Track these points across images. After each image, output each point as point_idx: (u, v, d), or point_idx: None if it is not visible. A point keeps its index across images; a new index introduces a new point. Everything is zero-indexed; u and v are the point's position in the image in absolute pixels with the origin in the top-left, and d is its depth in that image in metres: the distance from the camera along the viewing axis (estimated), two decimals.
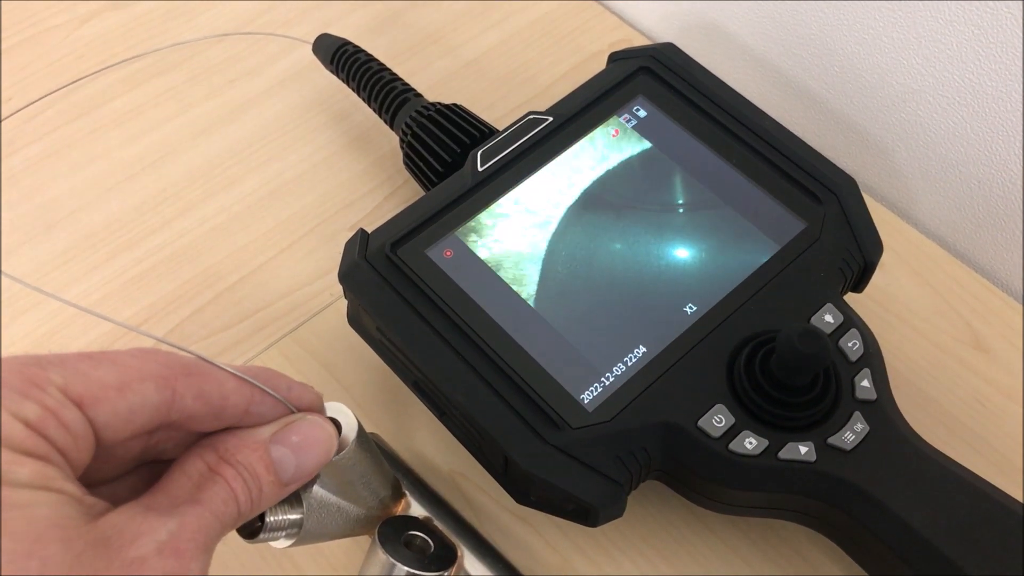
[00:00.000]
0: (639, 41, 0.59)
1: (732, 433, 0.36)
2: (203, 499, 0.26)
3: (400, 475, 0.39)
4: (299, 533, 0.32)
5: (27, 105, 0.55)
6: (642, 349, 0.38)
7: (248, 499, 0.27)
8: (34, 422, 0.24)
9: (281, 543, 0.32)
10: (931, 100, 0.49)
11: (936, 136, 0.49)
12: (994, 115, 0.46)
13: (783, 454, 0.36)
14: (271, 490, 0.28)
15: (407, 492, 0.39)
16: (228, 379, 0.27)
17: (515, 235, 0.41)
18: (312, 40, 0.53)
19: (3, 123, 0.54)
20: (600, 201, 0.42)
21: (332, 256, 0.48)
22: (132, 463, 0.28)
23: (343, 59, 0.50)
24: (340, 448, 0.31)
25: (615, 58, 0.46)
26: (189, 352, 0.27)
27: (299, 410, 0.29)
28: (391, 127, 0.49)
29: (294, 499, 0.32)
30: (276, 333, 0.47)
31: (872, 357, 0.38)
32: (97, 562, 0.23)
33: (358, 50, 0.51)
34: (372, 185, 0.53)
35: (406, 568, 0.35)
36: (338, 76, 0.51)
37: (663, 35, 0.59)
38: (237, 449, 0.27)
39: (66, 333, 0.47)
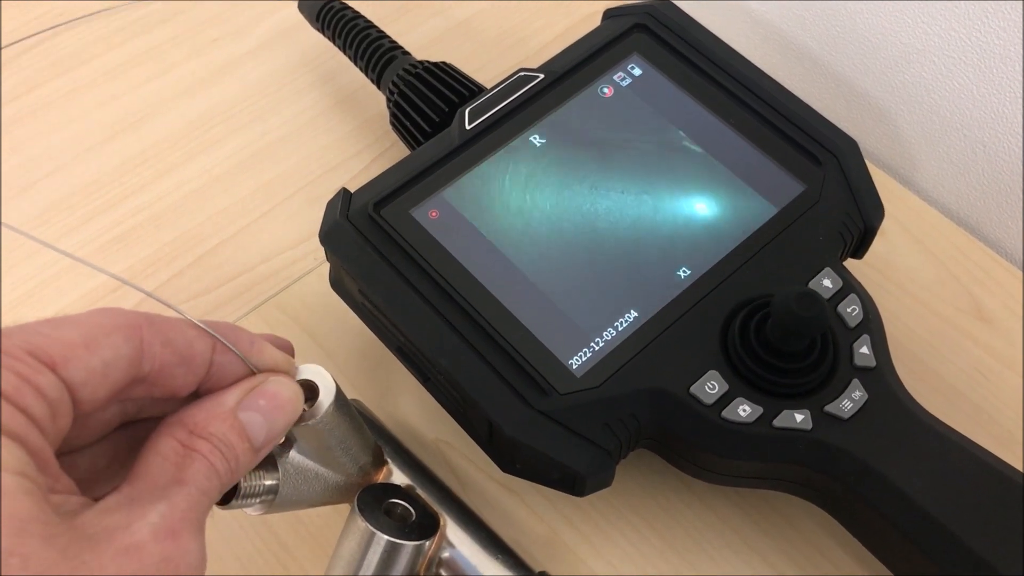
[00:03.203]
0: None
1: (725, 400, 0.35)
2: (186, 478, 0.25)
3: (382, 442, 0.38)
4: (275, 499, 0.31)
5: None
6: (633, 313, 0.37)
7: (228, 469, 0.26)
8: (11, 394, 0.22)
9: (256, 509, 0.31)
10: (935, 61, 0.47)
11: (940, 98, 0.48)
12: (1000, 76, 0.45)
13: (778, 422, 0.35)
14: (246, 457, 0.27)
15: (389, 460, 0.38)
16: (190, 327, 0.27)
17: (503, 195, 0.39)
18: None
19: None
20: (592, 161, 0.40)
21: (316, 220, 0.46)
22: (108, 427, 0.27)
23: (329, 17, 0.49)
24: (317, 412, 0.30)
25: (610, 15, 0.45)
26: (169, 305, 0.27)
27: (261, 367, 0.29)
28: (378, 86, 0.48)
29: (269, 464, 0.31)
30: (257, 297, 0.46)
31: (872, 323, 0.37)
32: (85, 555, 0.21)
33: (345, 7, 0.49)
34: (359, 148, 0.51)
35: (386, 537, 0.34)
36: (324, 34, 0.50)
37: None
38: (207, 422, 0.26)
39: (44, 295, 0.46)
